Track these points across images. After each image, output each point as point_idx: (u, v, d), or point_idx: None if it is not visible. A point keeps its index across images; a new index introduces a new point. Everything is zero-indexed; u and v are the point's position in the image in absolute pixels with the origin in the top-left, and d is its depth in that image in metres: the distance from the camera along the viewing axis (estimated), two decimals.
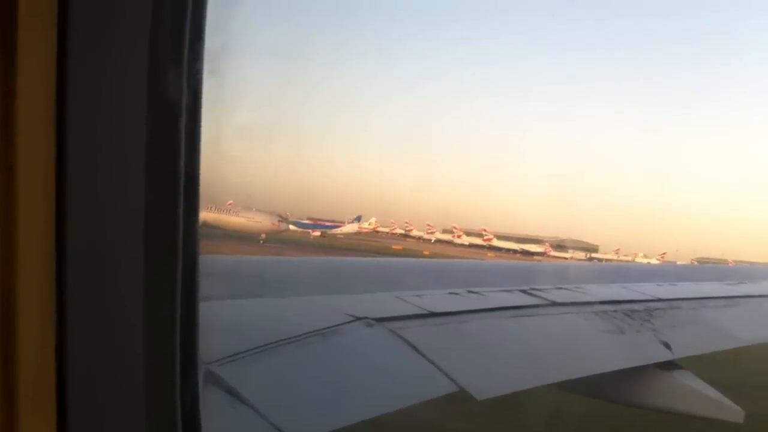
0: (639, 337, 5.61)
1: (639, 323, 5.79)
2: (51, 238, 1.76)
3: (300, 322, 4.10)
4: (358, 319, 4.25)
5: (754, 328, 6.88)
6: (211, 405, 3.08)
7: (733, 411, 5.45)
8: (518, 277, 6.67)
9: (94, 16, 1.77)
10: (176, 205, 1.92)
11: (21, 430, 1.74)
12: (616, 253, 78.46)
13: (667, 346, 5.51)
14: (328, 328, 4.06)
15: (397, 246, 72.18)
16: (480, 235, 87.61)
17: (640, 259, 70.90)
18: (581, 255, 77.78)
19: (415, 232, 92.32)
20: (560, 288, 6.19)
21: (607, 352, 5.32)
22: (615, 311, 5.84)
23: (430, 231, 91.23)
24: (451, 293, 5.38)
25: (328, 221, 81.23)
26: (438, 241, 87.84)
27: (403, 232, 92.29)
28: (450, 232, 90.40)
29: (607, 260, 66.88)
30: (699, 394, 5.47)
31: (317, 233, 74.56)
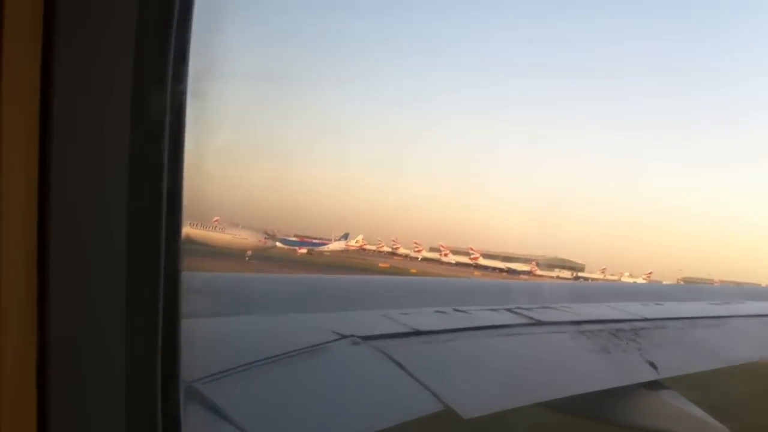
0: (625, 357, 5.61)
1: (625, 343, 5.79)
2: (33, 253, 1.75)
3: (286, 339, 4.08)
4: (344, 337, 4.23)
5: (740, 347, 6.90)
6: (196, 423, 3.06)
7: (718, 430, 5.46)
8: (504, 296, 6.67)
9: (78, 37, 1.78)
10: (159, 223, 1.92)
11: None
12: (603, 273, 78.77)
13: (653, 365, 5.51)
14: (313, 346, 4.04)
15: (383, 264, 72.20)
16: (467, 254, 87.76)
17: (626, 279, 71.19)
18: (567, 274, 78.15)
19: (401, 250, 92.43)
20: (546, 307, 6.18)
21: (593, 372, 5.32)
22: (601, 330, 5.84)
23: (416, 249, 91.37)
24: (437, 311, 5.37)
25: (314, 239, 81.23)
26: (425, 259, 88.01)
27: (390, 250, 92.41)
28: (437, 250, 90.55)
29: (593, 279, 67.18)
30: (685, 414, 5.47)
31: (304, 250, 74.54)
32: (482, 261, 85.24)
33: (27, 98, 1.73)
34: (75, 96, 1.79)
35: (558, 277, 73.56)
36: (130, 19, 1.82)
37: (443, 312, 5.37)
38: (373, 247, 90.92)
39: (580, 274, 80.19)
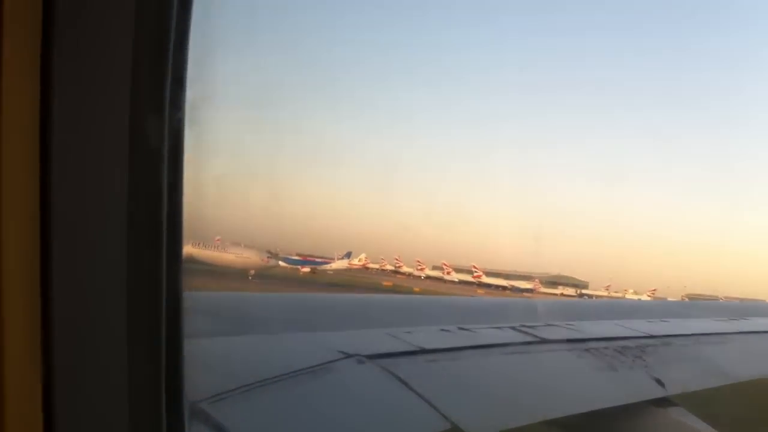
0: (631, 374, 5.58)
1: (631, 360, 5.77)
2: (36, 279, 1.76)
3: (290, 359, 4.07)
4: (349, 356, 4.22)
5: (746, 364, 6.87)
6: None
7: None
8: (508, 314, 6.65)
9: (76, 65, 1.79)
10: (159, 247, 1.93)
11: None
12: (607, 290, 78.51)
13: (659, 382, 5.48)
14: (318, 365, 4.03)
15: (387, 282, 72.06)
16: (470, 272, 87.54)
17: (630, 296, 70.86)
18: (572, 291, 77.89)
19: (405, 269, 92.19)
20: (551, 325, 6.17)
21: (599, 389, 5.29)
22: (607, 348, 5.82)
23: (420, 267, 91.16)
24: (441, 330, 5.35)
25: (317, 257, 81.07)
26: (428, 277, 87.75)
27: (393, 268, 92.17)
28: (440, 268, 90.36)
29: (597, 297, 66.99)
30: (693, 431, 5.44)
31: (307, 269, 74.41)
32: (485, 279, 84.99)
33: (26, 128, 1.74)
34: (74, 124, 1.80)
35: (562, 294, 73.25)
36: (126, 47, 1.83)
37: (447, 330, 5.36)
38: (376, 266, 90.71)
39: (584, 291, 79.90)
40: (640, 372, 5.63)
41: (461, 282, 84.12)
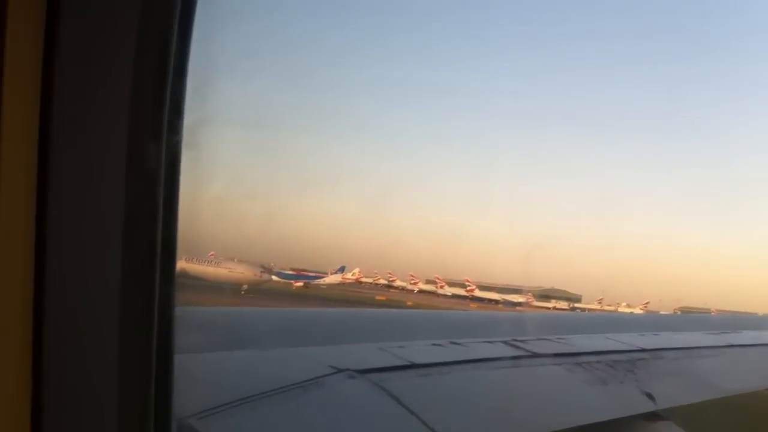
0: (622, 388, 5.59)
1: (622, 374, 5.77)
2: (30, 290, 1.77)
3: (281, 373, 4.06)
4: (341, 370, 4.21)
5: (737, 377, 6.88)
6: None
7: None
8: (501, 328, 6.65)
9: (76, 90, 1.82)
10: (153, 266, 1.95)
11: None
12: (599, 303, 78.43)
13: (650, 397, 5.49)
14: (309, 380, 4.02)
15: (380, 297, 71.92)
16: (463, 286, 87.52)
17: (623, 309, 70.89)
18: (564, 305, 77.84)
19: (398, 283, 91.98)
20: (543, 339, 6.17)
21: (590, 403, 5.30)
22: (598, 362, 5.82)
23: (413, 282, 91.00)
24: (434, 344, 5.35)
25: (311, 272, 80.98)
26: (421, 291, 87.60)
27: (386, 282, 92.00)
28: (433, 282, 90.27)
29: (590, 310, 66.95)
30: None
31: (300, 284, 74.22)
32: (478, 293, 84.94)
33: (27, 150, 1.76)
34: (74, 147, 1.84)
35: (554, 308, 73.22)
36: (127, 74, 1.87)
37: (440, 345, 5.35)
38: (370, 280, 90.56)
39: (576, 305, 79.91)
40: (630, 386, 5.63)
41: (454, 296, 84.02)
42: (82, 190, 1.86)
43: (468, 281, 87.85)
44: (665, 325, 9.68)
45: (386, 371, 4.43)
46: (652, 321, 14.17)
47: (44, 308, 1.79)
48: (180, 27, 1.99)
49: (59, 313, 1.82)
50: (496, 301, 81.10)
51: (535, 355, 5.61)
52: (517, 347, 5.67)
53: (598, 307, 74.94)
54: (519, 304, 75.78)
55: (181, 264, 2.27)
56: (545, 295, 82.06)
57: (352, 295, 67.48)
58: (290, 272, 75.41)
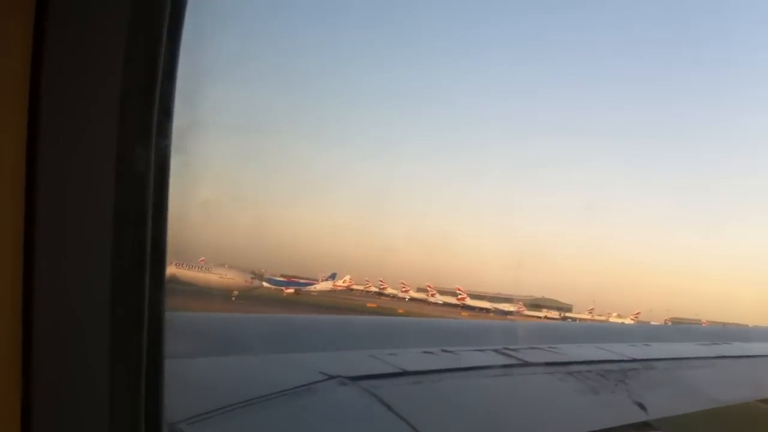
0: (613, 398, 5.59)
1: (613, 384, 5.77)
2: (19, 294, 1.76)
3: (272, 380, 4.05)
4: (332, 377, 4.20)
5: (728, 388, 6.90)
6: None
7: None
8: (492, 337, 6.65)
9: (65, 94, 1.82)
10: (143, 270, 1.95)
11: None
12: (590, 313, 78.56)
13: (641, 406, 5.49)
14: (300, 386, 4.01)
15: (371, 304, 71.87)
16: (454, 294, 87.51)
17: (614, 319, 71.02)
18: (555, 314, 77.98)
19: (389, 291, 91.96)
20: (534, 348, 6.17)
21: (581, 413, 5.29)
22: (589, 371, 5.82)
23: (404, 289, 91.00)
24: (425, 352, 5.34)
25: (301, 278, 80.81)
26: (412, 299, 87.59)
27: (377, 290, 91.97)
28: (424, 290, 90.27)
29: (581, 320, 67.06)
30: None
31: (291, 290, 74.11)
32: (469, 301, 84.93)
33: (15, 155, 1.75)
34: (63, 150, 1.84)
35: (545, 317, 73.38)
36: (116, 78, 1.86)
37: (431, 352, 5.35)
38: (361, 287, 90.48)
39: (567, 314, 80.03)
40: (622, 396, 5.63)
41: (445, 304, 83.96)
42: (71, 194, 1.86)
43: (459, 290, 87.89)
44: (656, 335, 9.71)
45: (377, 378, 4.42)
46: (642, 331, 14.20)
47: (34, 313, 1.78)
48: (170, 30, 1.99)
49: (49, 319, 1.81)
50: (487, 310, 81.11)
51: (526, 364, 5.61)
52: (509, 356, 5.67)
53: (589, 317, 75.08)
54: (510, 313, 75.82)
55: (171, 269, 2.28)
56: (536, 305, 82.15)
57: (343, 303, 67.41)
58: (281, 279, 75.26)
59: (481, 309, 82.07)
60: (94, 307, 1.88)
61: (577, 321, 61.34)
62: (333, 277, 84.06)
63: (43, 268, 1.80)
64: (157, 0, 1.97)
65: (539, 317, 71.85)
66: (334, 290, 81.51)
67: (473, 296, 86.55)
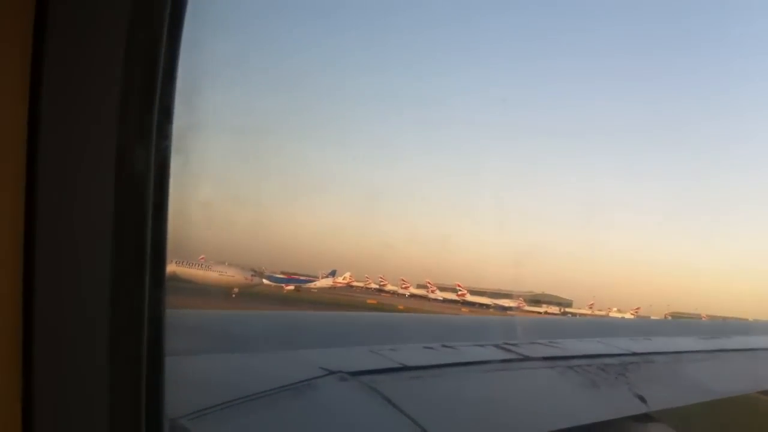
0: (614, 391, 5.60)
1: (614, 377, 5.78)
2: (19, 292, 1.77)
3: (272, 376, 4.05)
4: (332, 373, 4.21)
5: (728, 381, 6.91)
6: None
7: None
8: (492, 332, 6.66)
9: (65, 94, 1.82)
10: (143, 269, 1.96)
11: None
12: (590, 308, 78.60)
13: (642, 399, 5.50)
14: (301, 382, 4.01)
15: (371, 300, 71.88)
16: (454, 290, 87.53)
17: (614, 314, 70.97)
18: (555, 309, 78.01)
19: (389, 287, 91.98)
20: (534, 342, 6.18)
21: (581, 406, 5.30)
22: (590, 365, 5.83)
23: (404, 286, 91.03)
24: (425, 347, 5.35)
25: (301, 276, 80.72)
26: (412, 295, 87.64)
27: (377, 286, 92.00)
28: (424, 287, 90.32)
29: (581, 315, 67.10)
30: None
31: (291, 287, 74.06)
32: (469, 297, 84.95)
33: (16, 156, 1.76)
34: (63, 150, 1.84)
35: (546, 312, 73.35)
36: (116, 78, 1.87)
37: (431, 348, 5.36)
38: (361, 284, 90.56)
39: (567, 309, 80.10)
40: (622, 389, 5.65)
41: (445, 300, 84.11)
42: (72, 194, 1.86)
43: (459, 286, 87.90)
44: (656, 330, 9.74)
45: (378, 373, 4.43)
46: (642, 326, 14.22)
47: (34, 310, 1.79)
48: (169, 31, 1.99)
49: (49, 316, 1.82)
50: (487, 306, 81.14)
51: (526, 359, 5.62)
52: (509, 350, 5.68)
53: (589, 312, 75.14)
54: (510, 308, 75.85)
55: (171, 267, 2.29)
56: (536, 300, 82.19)
57: (343, 299, 67.41)
58: (281, 276, 75.20)
59: (481, 305, 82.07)
60: (95, 305, 1.89)
61: (578, 316, 61.31)
62: (333, 274, 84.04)
63: (44, 267, 1.81)
64: (157, 0, 1.98)
65: (539, 313, 71.82)
66: (334, 287, 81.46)
67: (473, 292, 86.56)
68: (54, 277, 1.83)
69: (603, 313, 72.78)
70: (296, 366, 4.30)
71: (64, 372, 1.86)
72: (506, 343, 5.84)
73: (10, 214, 1.76)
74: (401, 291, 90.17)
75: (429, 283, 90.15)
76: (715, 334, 8.66)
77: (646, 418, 5.47)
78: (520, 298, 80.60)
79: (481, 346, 5.75)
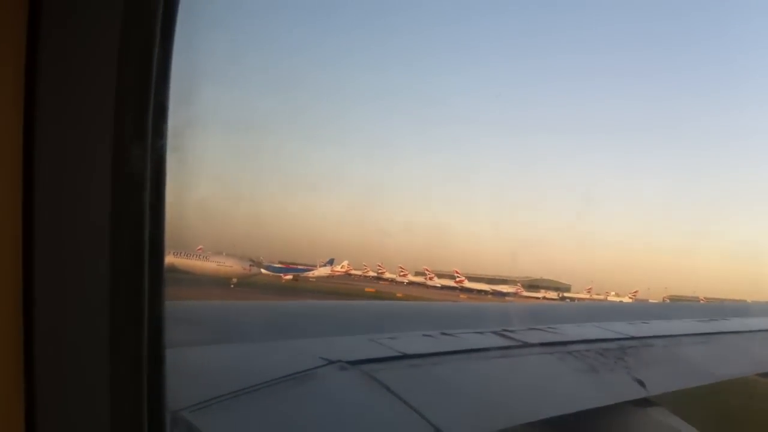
0: (613, 376, 5.62)
1: (612, 362, 5.80)
2: (19, 286, 1.77)
3: (272, 366, 4.06)
4: (332, 362, 4.21)
5: (727, 363, 6.93)
6: None
7: None
8: (491, 319, 6.68)
9: (60, 94, 1.82)
10: (142, 264, 1.96)
11: None
12: (589, 292, 78.70)
13: (641, 383, 5.52)
14: (301, 372, 4.02)
15: (369, 289, 71.98)
16: (452, 277, 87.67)
17: (612, 298, 71.16)
18: (553, 294, 78.16)
19: (387, 275, 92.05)
20: (533, 328, 6.19)
21: (581, 391, 5.32)
22: (588, 350, 5.85)
23: (402, 273, 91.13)
24: (424, 335, 5.36)
25: (300, 265, 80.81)
26: (410, 283, 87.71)
27: (375, 274, 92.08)
28: (422, 274, 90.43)
29: (579, 299, 67.26)
30: (674, 430, 5.48)
31: (289, 277, 74.12)
32: (468, 284, 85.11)
33: (11, 156, 1.76)
34: (59, 150, 1.85)
35: (544, 297, 73.55)
36: (111, 77, 1.87)
37: (430, 335, 5.36)
38: (359, 272, 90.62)
39: (566, 294, 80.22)
40: (621, 373, 5.66)
41: (444, 287, 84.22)
42: (69, 193, 1.87)
43: (457, 272, 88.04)
44: (654, 313, 9.76)
45: (378, 362, 4.43)
46: (641, 309, 14.25)
47: (34, 304, 1.80)
48: (163, 29, 1.99)
49: (50, 311, 1.83)
50: (486, 292, 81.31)
51: (525, 345, 5.63)
52: (508, 337, 5.69)
53: (587, 296, 75.24)
54: (508, 294, 76.04)
55: (169, 259, 2.29)
56: (534, 285, 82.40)
57: (342, 288, 67.48)
58: (279, 265, 75.25)
59: (480, 291, 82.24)
60: (95, 300, 1.90)
61: (576, 301, 61.48)
62: (331, 262, 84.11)
63: (43, 264, 1.81)
64: None
65: (537, 298, 72.02)
66: (333, 276, 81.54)
67: (471, 278, 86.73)
68: (54, 273, 1.84)
69: (601, 297, 72.97)
70: (296, 356, 4.30)
71: (66, 365, 1.87)
72: (505, 330, 5.85)
73: (7, 213, 1.77)
74: (399, 279, 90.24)
75: (427, 270, 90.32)
76: (713, 317, 8.68)
77: (647, 402, 5.49)
78: (519, 284, 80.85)
79: (480, 333, 5.76)
